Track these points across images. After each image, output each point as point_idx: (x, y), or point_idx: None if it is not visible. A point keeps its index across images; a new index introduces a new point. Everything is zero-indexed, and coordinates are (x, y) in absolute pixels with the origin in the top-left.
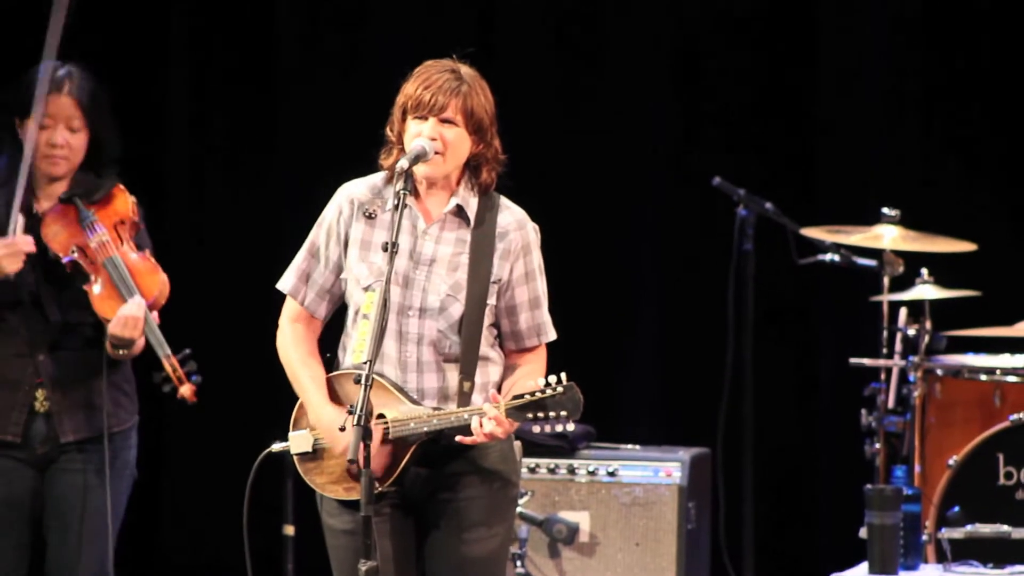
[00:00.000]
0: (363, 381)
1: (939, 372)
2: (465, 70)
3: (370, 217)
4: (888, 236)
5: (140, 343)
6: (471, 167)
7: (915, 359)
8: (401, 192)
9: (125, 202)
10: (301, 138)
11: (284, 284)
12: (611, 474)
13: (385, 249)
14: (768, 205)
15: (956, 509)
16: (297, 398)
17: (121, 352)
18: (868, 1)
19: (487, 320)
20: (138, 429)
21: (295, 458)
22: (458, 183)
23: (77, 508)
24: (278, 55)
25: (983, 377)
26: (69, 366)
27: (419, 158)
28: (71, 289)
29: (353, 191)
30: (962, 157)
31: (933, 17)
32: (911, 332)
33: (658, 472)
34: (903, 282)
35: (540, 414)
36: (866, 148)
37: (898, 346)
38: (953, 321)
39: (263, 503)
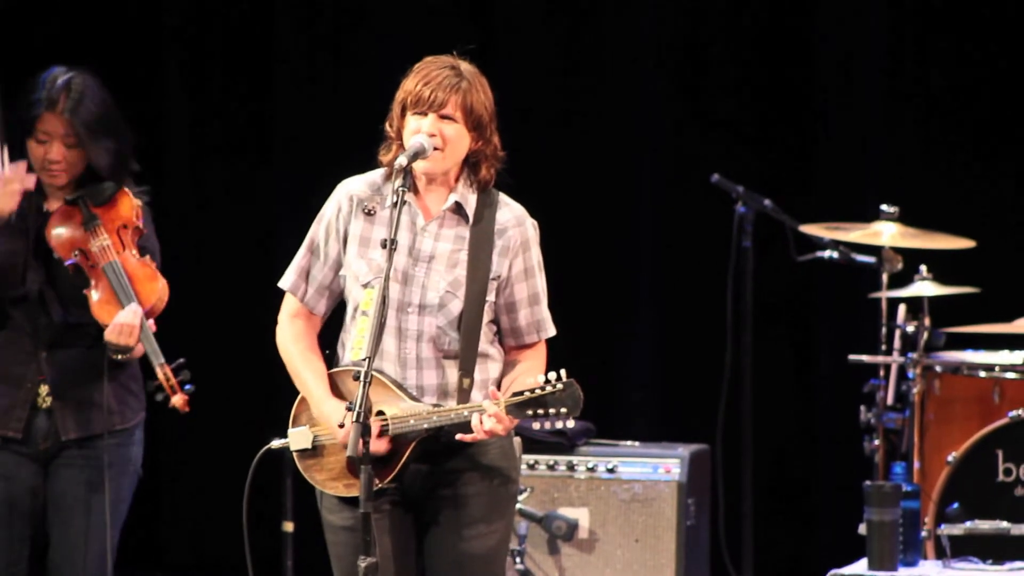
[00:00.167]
0: (362, 378)
1: (938, 369)
2: (465, 66)
3: (369, 214)
4: (887, 233)
5: (139, 348)
6: (470, 164)
7: (914, 356)
8: (400, 189)
9: (129, 206)
10: (300, 138)
11: (285, 281)
12: (610, 470)
13: (384, 246)
14: (767, 202)
15: (955, 505)
16: (296, 394)
17: (120, 356)
18: None
19: (486, 317)
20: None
21: (295, 455)
22: (457, 180)
23: (79, 504)
24: (277, 55)
25: (982, 374)
26: (72, 364)
27: (418, 154)
28: (74, 289)
29: (352, 188)
30: (961, 154)
31: (932, 14)
32: (910, 329)
33: (657, 468)
34: (902, 279)
35: (540, 411)
36: (865, 145)
37: (897, 343)
38: (952, 318)
39: (263, 500)
